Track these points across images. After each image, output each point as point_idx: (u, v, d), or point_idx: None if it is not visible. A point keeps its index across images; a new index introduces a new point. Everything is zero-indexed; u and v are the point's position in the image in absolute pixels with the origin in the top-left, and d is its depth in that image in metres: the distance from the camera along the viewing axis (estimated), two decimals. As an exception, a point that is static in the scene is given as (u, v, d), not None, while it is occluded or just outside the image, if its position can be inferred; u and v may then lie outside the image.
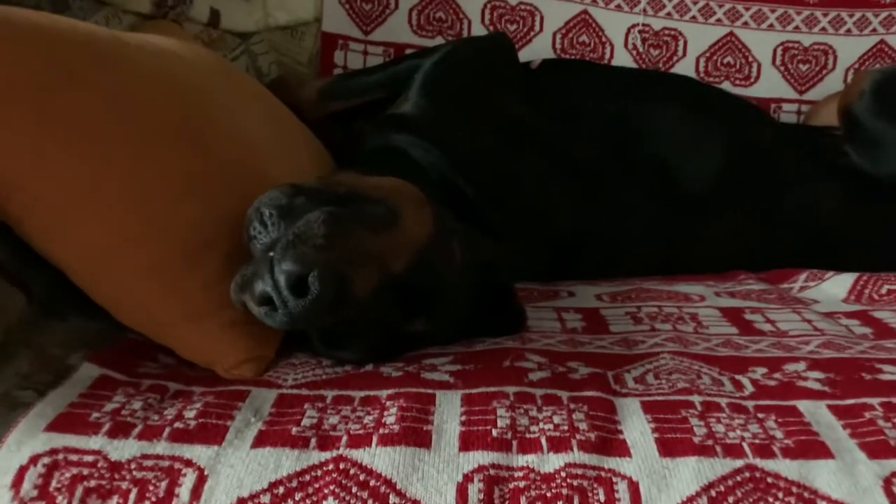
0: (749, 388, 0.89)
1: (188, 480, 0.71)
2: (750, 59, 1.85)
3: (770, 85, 1.86)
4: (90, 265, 0.89)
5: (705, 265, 1.39)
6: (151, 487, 0.70)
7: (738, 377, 0.91)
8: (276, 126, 1.30)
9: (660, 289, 1.25)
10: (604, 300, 1.20)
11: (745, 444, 0.77)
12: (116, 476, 0.71)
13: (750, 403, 0.85)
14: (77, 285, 0.90)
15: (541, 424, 0.80)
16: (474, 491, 0.72)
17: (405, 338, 0.95)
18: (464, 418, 0.81)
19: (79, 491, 0.69)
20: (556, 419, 0.81)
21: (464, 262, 1.01)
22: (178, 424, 0.77)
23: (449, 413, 0.82)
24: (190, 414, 0.79)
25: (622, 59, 1.80)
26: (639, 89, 1.51)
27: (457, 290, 0.98)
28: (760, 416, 0.83)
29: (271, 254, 0.78)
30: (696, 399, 0.85)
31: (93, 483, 0.70)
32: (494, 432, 0.78)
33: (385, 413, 0.81)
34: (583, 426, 0.80)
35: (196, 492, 0.71)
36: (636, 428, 0.80)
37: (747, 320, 1.10)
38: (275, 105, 1.39)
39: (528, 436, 0.78)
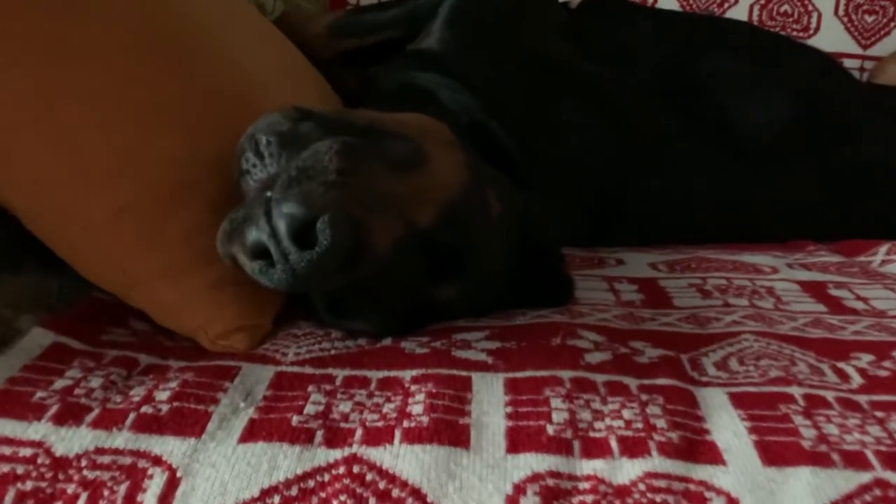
0: (857, 380, 0.71)
1: (155, 484, 0.54)
2: (809, 7, 1.66)
3: (831, 38, 1.67)
4: (45, 207, 0.71)
5: (767, 230, 1.21)
6: (106, 492, 0.53)
7: (840, 365, 0.74)
8: (280, 62, 1.12)
9: (722, 258, 1.08)
10: (660, 269, 1.02)
11: (868, 452, 0.60)
12: (61, 476, 0.54)
13: (863, 398, 0.68)
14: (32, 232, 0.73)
15: (608, 420, 0.63)
16: (528, 506, 0.55)
17: (431, 306, 0.78)
18: (509, 410, 0.64)
19: (8, 497, 0.52)
20: (627, 414, 0.64)
21: (502, 218, 0.83)
22: (145, 409, 0.60)
23: (490, 402, 0.65)
24: (162, 395, 0.62)
25: (668, 2, 1.61)
26: (696, 34, 1.32)
27: (493, 250, 0.80)
28: (879, 414, 0.65)
29: (269, 193, 0.61)
30: (795, 391, 0.68)
31: (28, 485, 0.53)
32: (550, 429, 0.61)
33: (410, 400, 0.64)
34: (660, 423, 0.63)
35: (165, 499, 0.54)
36: (727, 427, 0.63)
37: (833, 296, 0.93)
38: (280, 40, 1.21)
39: (592, 434, 0.61)
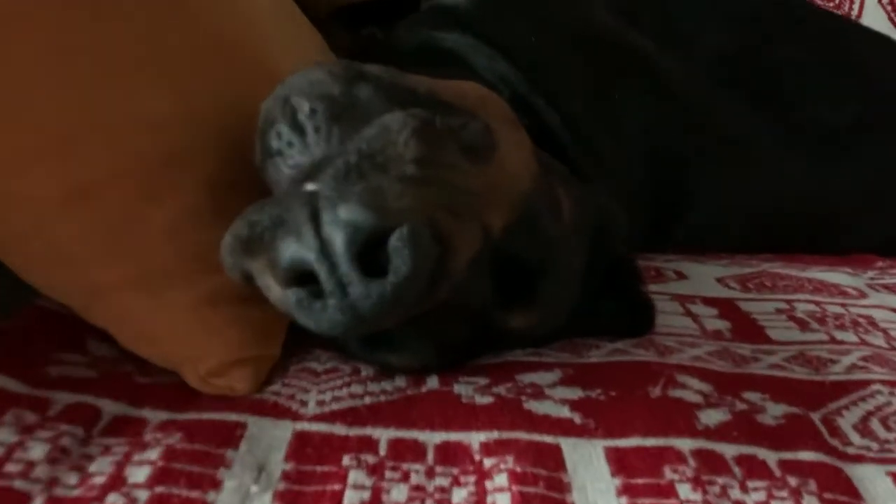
0: None
1: None
2: (851, -8, 1.52)
3: (874, 26, 1.53)
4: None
5: (828, 229, 1.06)
6: None
7: None
8: (281, 13, 0.91)
9: (793, 275, 0.92)
10: (732, 287, 0.86)
11: None
12: None
13: None
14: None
15: (757, 520, 0.46)
16: None
17: (492, 334, 0.59)
18: (624, 501, 0.46)
19: None
20: (779, 509, 0.47)
21: (574, 221, 0.65)
22: (113, 499, 0.41)
23: (597, 490, 0.47)
24: (138, 475, 0.43)
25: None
26: (761, 16, 1.15)
27: (569, 262, 0.62)
28: None
29: (313, 186, 0.41)
30: (971, 472, 0.52)
31: None
32: (689, 537, 0.44)
33: (488, 484, 0.46)
34: (825, 525, 0.46)
35: None
36: (907, 529, 0.47)
37: (945, 332, 0.78)
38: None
39: (744, 544, 0.44)
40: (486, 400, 0.55)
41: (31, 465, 0.42)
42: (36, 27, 0.50)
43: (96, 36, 0.52)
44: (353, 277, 0.39)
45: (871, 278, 0.96)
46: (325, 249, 0.39)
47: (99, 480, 0.42)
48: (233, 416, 0.50)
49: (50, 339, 0.57)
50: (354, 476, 0.46)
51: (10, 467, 0.42)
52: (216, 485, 0.43)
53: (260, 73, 0.63)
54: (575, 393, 0.58)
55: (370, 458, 0.48)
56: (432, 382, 0.58)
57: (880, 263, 1.03)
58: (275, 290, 0.43)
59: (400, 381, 0.57)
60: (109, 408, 0.49)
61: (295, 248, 0.39)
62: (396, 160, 0.41)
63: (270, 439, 0.48)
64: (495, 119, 0.60)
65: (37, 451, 0.43)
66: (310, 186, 0.41)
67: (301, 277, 0.40)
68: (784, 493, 0.48)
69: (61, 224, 0.52)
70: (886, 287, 0.92)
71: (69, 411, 0.47)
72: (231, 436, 0.48)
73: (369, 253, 0.39)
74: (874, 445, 0.56)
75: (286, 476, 0.45)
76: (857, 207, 1.05)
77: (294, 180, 0.42)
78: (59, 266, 0.53)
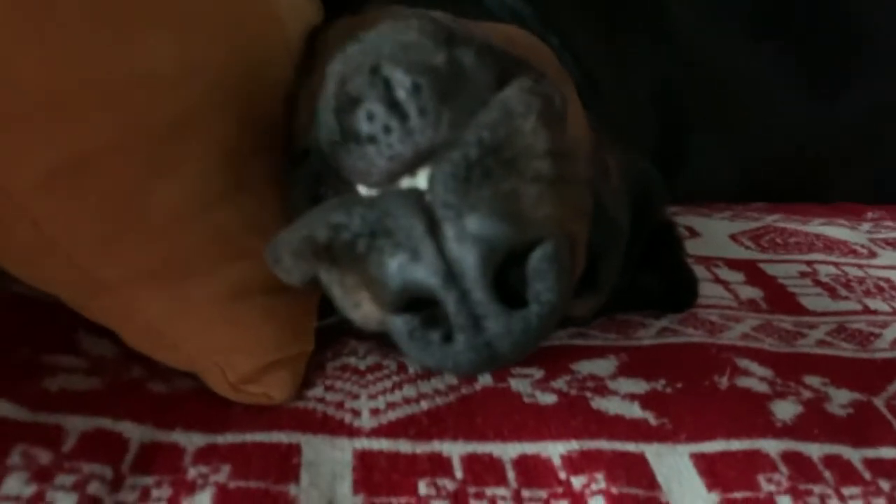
0: None
1: None
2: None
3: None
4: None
5: (821, 174, 1.04)
6: None
7: None
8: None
9: (802, 230, 0.90)
10: (748, 246, 0.83)
11: None
12: None
13: None
14: None
15: (863, 535, 0.43)
16: None
17: None
18: (729, 521, 0.42)
19: None
20: (880, 520, 0.44)
21: (621, 187, 0.59)
22: (173, 566, 0.34)
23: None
24: (194, 529, 0.35)
25: None
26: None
27: (621, 235, 0.57)
28: None
29: (410, 182, 0.33)
30: None
31: None
32: (804, 562, 0.40)
33: (583, 507, 0.41)
34: (929, 536, 0.44)
35: None
36: None
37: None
38: None
39: (856, 564, 0.41)
40: (549, 399, 0.50)
41: (55, 530, 0.34)
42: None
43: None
44: (490, 309, 0.31)
45: (870, 232, 0.95)
46: (451, 273, 0.31)
47: (148, 542, 0.35)
48: (282, 437, 0.42)
49: (34, 336, 0.47)
50: (436, 508, 0.40)
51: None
52: (286, 532, 0.37)
53: (257, 7, 0.53)
54: (639, 386, 0.53)
55: (448, 484, 0.41)
56: (485, 377, 0.52)
57: (870, 214, 1.02)
58: (367, 311, 0.35)
59: (450, 378, 0.51)
60: (133, 433, 0.41)
61: (412, 270, 0.31)
62: (528, 154, 0.33)
63: (332, 465, 0.41)
64: (551, 72, 0.53)
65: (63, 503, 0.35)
66: (408, 183, 0.33)
67: (414, 303, 0.32)
68: (881, 502, 0.46)
69: (48, 205, 0.42)
70: (888, 243, 0.91)
71: (87, 443, 0.39)
72: (287, 465, 0.41)
73: (506, 278, 0.31)
74: (943, 434, 0.54)
75: (360, 513, 0.39)
76: (848, 151, 1.03)
77: (390, 174, 0.34)
78: (45, 256, 0.43)
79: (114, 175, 0.43)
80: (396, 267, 0.32)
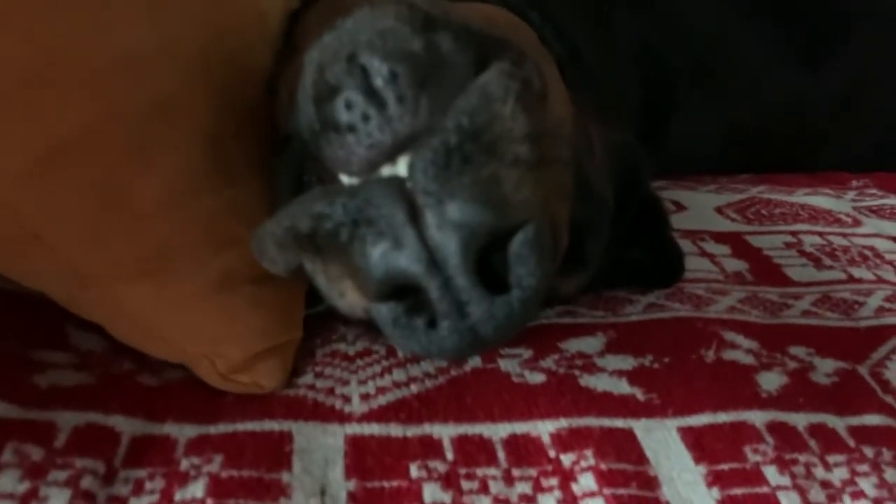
0: None
1: None
2: None
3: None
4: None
5: (806, 143, 1.05)
6: None
7: None
8: None
9: (788, 200, 0.90)
10: (734, 218, 0.83)
11: None
12: None
13: None
14: None
15: (848, 501, 0.44)
16: None
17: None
18: (717, 494, 0.43)
19: None
20: (865, 486, 0.45)
21: (604, 162, 0.59)
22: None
23: (686, 483, 0.44)
24: (189, 521, 0.36)
25: None
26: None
27: (608, 214, 0.57)
28: None
29: (391, 170, 0.33)
30: None
31: None
32: (791, 529, 0.41)
33: (573, 485, 0.42)
34: (913, 500, 0.45)
35: None
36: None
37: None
38: None
39: (842, 530, 0.42)
40: (538, 378, 0.51)
41: (53, 524, 0.34)
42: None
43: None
44: (472, 294, 0.31)
45: (853, 200, 0.95)
46: (434, 260, 0.31)
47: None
48: (274, 426, 0.43)
49: (21, 333, 0.47)
50: (430, 491, 0.40)
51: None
52: (280, 519, 0.37)
53: None
54: (627, 362, 0.53)
55: (439, 466, 0.42)
56: (474, 359, 0.52)
57: (854, 182, 1.03)
58: (352, 299, 0.35)
59: (440, 361, 0.51)
60: (125, 427, 0.41)
61: (394, 257, 0.32)
62: (506, 138, 0.33)
63: (324, 451, 0.42)
64: (532, 51, 0.52)
65: (56, 501, 0.35)
66: (389, 171, 0.33)
67: (398, 290, 0.33)
68: (865, 467, 0.47)
69: (28, 198, 0.42)
70: (873, 211, 0.92)
71: (79, 438, 0.39)
72: (279, 452, 0.41)
73: (489, 263, 0.32)
74: (925, 399, 0.55)
75: (353, 498, 0.39)
76: (834, 117, 1.03)
77: (370, 162, 0.34)
78: (28, 251, 0.43)
79: (95, 163, 0.42)
80: (379, 255, 0.32)
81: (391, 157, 0.34)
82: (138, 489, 0.37)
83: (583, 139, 0.56)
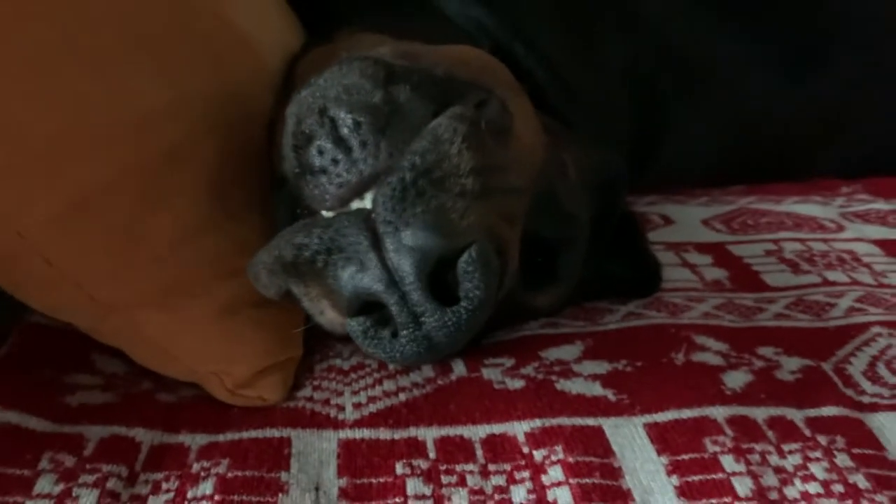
0: None
1: None
2: None
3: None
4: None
5: (797, 152, 1.08)
6: None
7: None
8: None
9: (775, 209, 0.94)
10: (718, 229, 0.87)
11: None
12: None
13: None
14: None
15: (799, 484, 0.48)
16: None
17: (513, 312, 0.59)
18: (676, 482, 0.47)
19: None
20: (816, 470, 0.49)
21: (581, 184, 0.64)
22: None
23: (647, 472, 0.48)
24: (199, 514, 0.41)
25: None
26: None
27: (582, 231, 0.62)
28: None
29: (360, 204, 0.39)
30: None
31: None
32: (741, 511, 0.46)
33: (544, 478, 0.47)
34: (861, 481, 0.49)
35: None
36: (932, 477, 0.50)
37: (922, 260, 0.81)
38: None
39: (792, 510, 0.46)
40: (518, 384, 0.55)
41: (84, 515, 0.40)
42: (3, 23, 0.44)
43: (74, 24, 0.47)
44: (426, 307, 0.37)
45: (842, 206, 0.98)
46: (393, 279, 0.37)
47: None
48: (274, 433, 0.49)
49: (54, 360, 0.54)
50: (413, 485, 0.45)
51: (63, 522, 0.40)
52: (277, 511, 0.42)
53: (236, 42, 0.59)
54: (602, 367, 0.58)
55: (422, 463, 0.47)
56: (459, 369, 0.57)
57: (845, 188, 1.06)
58: (330, 316, 0.41)
59: (428, 371, 0.56)
60: (145, 437, 0.47)
61: (359, 278, 0.37)
62: (454, 173, 0.38)
63: (319, 453, 0.47)
64: (502, 88, 0.58)
65: (87, 499, 0.41)
66: (358, 205, 0.39)
67: (364, 305, 0.38)
68: (818, 454, 0.50)
69: (57, 242, 0.48)
70: (858, 216, 0.95)
71: (105, 447, 0.45)
72: (279, 455, 0.46)
73: (434, 275, 0.37)
74: (885, 392, 0.58)
75: (344, 493, 0.45)
76: (824, 128, 1.07)
77: (341, 199, 0.40)
78: (58, 287, 0.49)
79: (114, 210, 0.49)
80: (347, 277, 0.38)
81: (359, 194, 0.40)
82: (156, 489, 0.43)
83: (556, 163, 0.61)
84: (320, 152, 0.39)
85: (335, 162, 0.39)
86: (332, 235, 0.39)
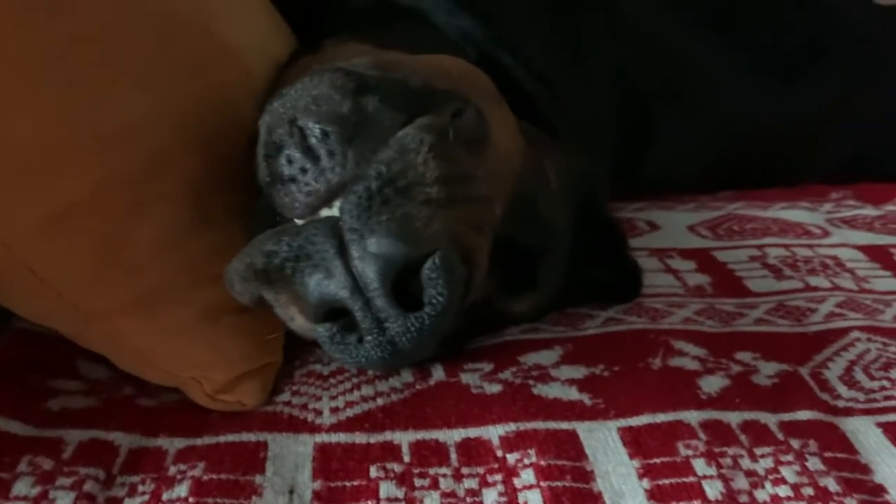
0: None
1: None
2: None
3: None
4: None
5: (785, 159, 1.09)
6: None
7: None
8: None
9: (759, 216, 0.95)
10: (704, 235, 0.88)
11: None
12: None
13: None
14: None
15: (770, 487, 0.49)
16: None
17: (494, 319, 0.60)
18: (648, 485, 0.48)
19: None
20: (787, 473, 0.50)
21: (562, 193, 0.65)
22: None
23: (619, 475, 0.49)
24: (173, 516, 0.42)
25: None
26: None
27: (562, 239, 0.62)
28: None
29: (330, 212, 0.40)
30: (951, 416, 0.56)
31: None
32: (711, 513, 0.46)
33: (516, 481, 0.47)
34: (831, 485, 0.49)
35: None
36: (902, 477, 0.50)
37: (908, 267, 0.82)
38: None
39: (761, 513, 0.47)
40: (495, 389, 0.56)
41: (60, 518, 0.41)
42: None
43: (55, 38, 0.48)
44: (390, 313, 0.38)
45: (829, 212, 0.99)
46: (357, 285, 0.38)
47: (135, 527, 0.42)
48: (251, 437, 0.49)
49: (38, 366, 0.54)
50: (385, 488, 0.46)
51: (39, 526, 0.40)
52: (252, 514, 0.43)
53: (221, 53, 0.60)
54: (579, 371, 0.59)
55: (396, 467, 0.48)
56: (438, 374, 0.58)
57: (834, 194, 1.07)
58: (300, 322, 0.42)
59: (407, 376, 0.57)
60: (123, 441, 0.48)
61: (325, 285, 0.38)
62: (419, 182, 0.39)
63: (294, 457, 0.48)
64: (481, 97, 0.59)
65: (63, 502, 0.42)
66: (328, 213, 0.40)
67: (331, 311, 0.39)
68: (790, 457, 0.51)
69: (40, 252, 0.49)
70: (845, 222, 0.96)
71: (83, 451, 0.46)
72: (255, 458, 0.47)
73: (399, 281, 0.38)
74: (860, 396, 0.59)
75: (318, 496, 0.45)
76: (812, 134, 1.07)
77: (310, 207, 0.41)
78: (42, 295, 0.50)
79: (95, 219, 0.50)
80: (314, 283, 0.39)
81: (328, 202, 0.41)
82: (132, 491, 0.44)
83: (536, 171, 0.62)
84: (289, 161, 0.40)
85: (303, 171, 0.40)
86: (301, 243, 0.40)
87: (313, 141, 0.40)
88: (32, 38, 0.47)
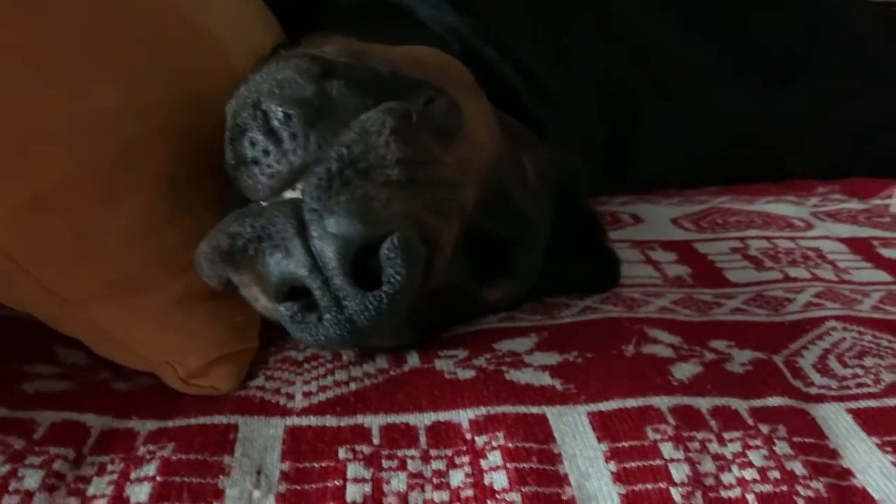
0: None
1: None
2: None
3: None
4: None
5: (774, 157, 1.09)
6: None
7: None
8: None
9: (744, 209, 0.95)
10: (687, 228, 0.89)
11: None
12: None
13: None
14: None
15: (736, 471, 0.49)
16: None
17: (469, 306, 0.60)
18: (614, 467, 0.48)
19: None
20: (754, 457, 0.50)
21: (539, 185, 0.65)
22: (120, 520, 0.41)
23: (586, 457, 0.49)
24: (140, 494, 0.43)
25: None
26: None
27: (538, 229, 0.63)
28: None
29: (293, 194, 0.40)
30: (923, 404, 0.56)
31: None
32: (676, 495, 0.46)
33: (483, 463, 0.48)
34: (798, 468, 0.49)
35: None
36: (870, 464, 0.51)
37: (887, 258, 0.82)
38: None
39: (725, 495, 0.47)
40: (468, 374, 0.57)
41: (29, 495, 0.42)
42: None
43: (30, 30, 0.49)
44: (348, 291, 0.39)
45: (815, 206, 0.99)
46: (316, 264, 0.38)
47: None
48: (222, 419, 0.50)
49: (16, 350, 0.55)
50: (353, 470, 0.46)
51: (8, 500, 0.41)
52: (218, 495, 0.44)
53: (202, 45, 0.60)
54: (553, 358, 0.59)
55: (365, 449, 0.48)
56: (413, 360, 0.58)
57: (821, 189, 1.07)
58: (263, 302, 0.42)
59: (382, 362, 0.58)
60: (95, 422, 0.48)
61: (285, 264, 0.39)
62: (379, 164, 0.40)
63: (264, 439, 0.49)
64: (456, 87, 0.59)
65: (31, 479, 0.42)
66: (291, 195, 0.41)
67: (292, 291, 0.40)
68: (758, 442, 0.51)
69: (16, 237, 0.50)
70: (830, 215, 0.96)
71: (55, 431, 0.47)
72: (224, 440, 0.48)
73: (359, 261, 0.39)
74: (833, 384, 0.59)
75: (285, 476, 0.46)
76: (800, 134, 1.08)
77: (273, 189, 0.41)
78: (17, 280, 0.51)
79: (70, 207, 0.50)
80: (274, 263, 0.39)
81: (290, 184, 0.41)
82: (101, 470, 0.44)
83: (513, 163, 0.62)
84: (252, 144, 0.41)
85: (266, 153, 0.41)
86: (263, 224, 0.40)
87: (276, 124, 0.41)
88: (9, 29, 0.48)
